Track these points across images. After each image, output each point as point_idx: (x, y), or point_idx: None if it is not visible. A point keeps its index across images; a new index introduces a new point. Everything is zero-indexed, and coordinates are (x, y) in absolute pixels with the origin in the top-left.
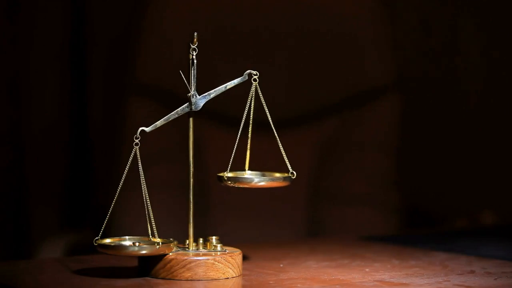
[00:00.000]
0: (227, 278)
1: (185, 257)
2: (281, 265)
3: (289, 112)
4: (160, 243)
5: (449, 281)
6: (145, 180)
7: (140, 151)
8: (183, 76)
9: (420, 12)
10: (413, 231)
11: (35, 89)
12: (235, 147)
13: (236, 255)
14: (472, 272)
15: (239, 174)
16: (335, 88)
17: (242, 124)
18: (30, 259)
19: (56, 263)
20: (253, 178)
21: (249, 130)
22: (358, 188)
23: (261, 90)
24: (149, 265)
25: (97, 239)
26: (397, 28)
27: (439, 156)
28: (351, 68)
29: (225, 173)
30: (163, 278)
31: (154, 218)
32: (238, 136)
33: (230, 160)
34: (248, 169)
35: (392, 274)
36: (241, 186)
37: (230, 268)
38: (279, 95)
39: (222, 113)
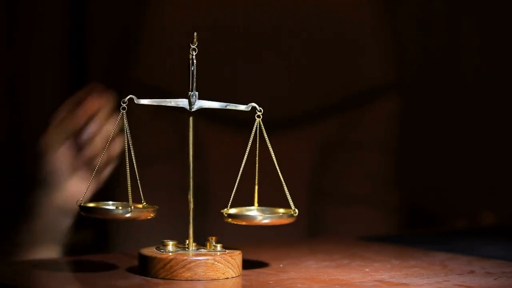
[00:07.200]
0: (227, 278)
1: (185, 257)
2: (281, 265)
3: (289, 112)
4: (144, 207)
5: (449, 281)
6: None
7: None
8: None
9: (420, 12)
10: (413, 231)
11: (35, 89)
12: (236, 185)
13: (236, 255)
14: (472, 272)
15: (243, 210)
16: (335, 88)
17: (244, 161)
18: (30, 259)
19: (55, 263)
20: (256, 216)
21: (256, 166)
22: (358, 188)
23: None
24: (149, 265)
25: (79, 201)
26: (397, 28)
27: (439, 156)
28: (351, 68)
29: (226, 209)
30: (163, 278)
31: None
32: (240, 173)
33: (231, 198)
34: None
35: (392, 274)
36: (243, 223)
37: (230, 268)
38: (279, 95)
39: (223, 113)
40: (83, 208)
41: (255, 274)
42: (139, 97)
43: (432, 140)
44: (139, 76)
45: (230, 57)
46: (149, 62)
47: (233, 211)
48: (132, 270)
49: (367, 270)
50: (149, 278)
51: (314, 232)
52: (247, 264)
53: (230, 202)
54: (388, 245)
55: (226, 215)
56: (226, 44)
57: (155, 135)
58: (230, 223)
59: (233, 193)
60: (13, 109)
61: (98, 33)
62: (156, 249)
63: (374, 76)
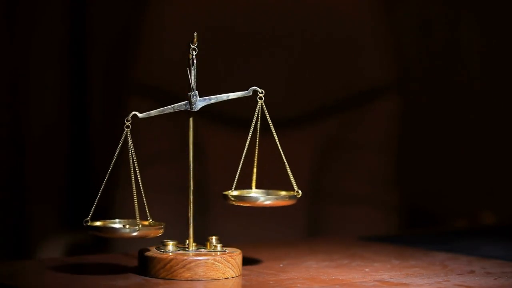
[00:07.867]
0: (227, 278)
1: (185, 257)
2: (281, 265)
3: (289, 112)
4: (151, 224)
5: (449, 281)
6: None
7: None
8: (189, 75)
9: (420, 12)
10: (413, 231)
11: (35, 89)
12: (240, 166)
13: (236, 255)
14: (472, 272)
15: (244, 192)
16: (335, 88)
17: (247, 143)
18: (30, 259)
19: (56, 263)
20: (258, 197)
21: (256, 149)
22: (358, 188)
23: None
24: (149, 265)
25: (87, 220)
26: (397, 28)
27: (439, 156)
28: (351, 68)
29: (230, 191)
30: (163, 278)
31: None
32: (243, 155)
33: (235, 179)
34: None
35: (392, 274)
36: (245, 205)
37: (230, 268)
38: (279, 95)
39: (223, 113)
40: (90, 228)
41: (255, 274)
42: (139, 97)
43: (432, 140)
44: (139, 76)
45: (230, 57)
46: (149, 62)
47: (234, 193)
48: (132, 270)
49: (367, 270)
50: (149, 278)
51: (314, 232)
52: (247, 264)
53: (234, 184)
54: (388, 245)
55: (230, 197)
56: (226, 44)
57: (155, 135)
58: (229, 220)
59: (237, 174)
60: (13, 109)
61: (98, 33)
62: (156, 249)
63: (374, 76)
